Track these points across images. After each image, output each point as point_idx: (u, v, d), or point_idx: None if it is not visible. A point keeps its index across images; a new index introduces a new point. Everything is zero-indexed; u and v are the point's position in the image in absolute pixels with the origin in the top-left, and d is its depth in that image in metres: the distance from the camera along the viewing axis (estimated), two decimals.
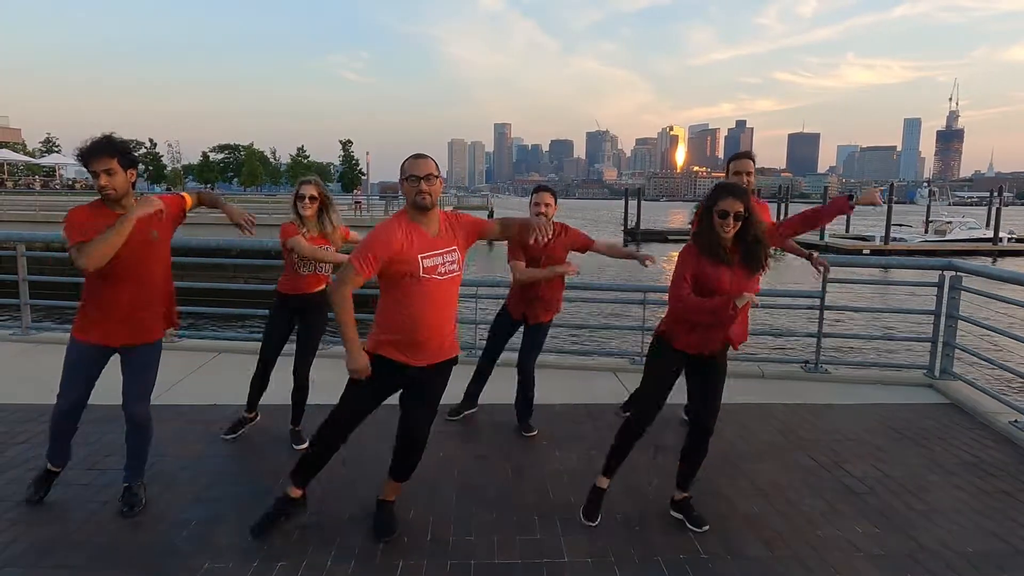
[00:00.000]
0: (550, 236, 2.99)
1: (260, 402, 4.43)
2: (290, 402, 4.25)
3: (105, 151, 2.91)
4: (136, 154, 3.16)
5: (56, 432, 3.33)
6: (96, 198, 3.08)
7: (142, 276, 3.12)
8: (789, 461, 4.17)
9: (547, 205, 4.23)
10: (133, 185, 3.05)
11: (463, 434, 4.48)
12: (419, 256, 2.88)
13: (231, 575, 2.85)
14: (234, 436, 4.27)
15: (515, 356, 4.59)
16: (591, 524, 3.32)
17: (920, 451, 4.36)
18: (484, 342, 4.83)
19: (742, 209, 2.98)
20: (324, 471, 3.82)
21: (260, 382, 4.29)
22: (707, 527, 3.30)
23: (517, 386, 4.58)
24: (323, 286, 4.15)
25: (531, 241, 3.04)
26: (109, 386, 3.34)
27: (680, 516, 3.39)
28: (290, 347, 4.30)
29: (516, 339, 4.64)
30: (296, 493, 3.22)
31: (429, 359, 3.02)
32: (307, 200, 3.99)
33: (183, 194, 3.36)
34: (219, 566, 2.89)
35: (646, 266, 4.37)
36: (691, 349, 3.24)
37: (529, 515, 3.42)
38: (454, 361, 3.15)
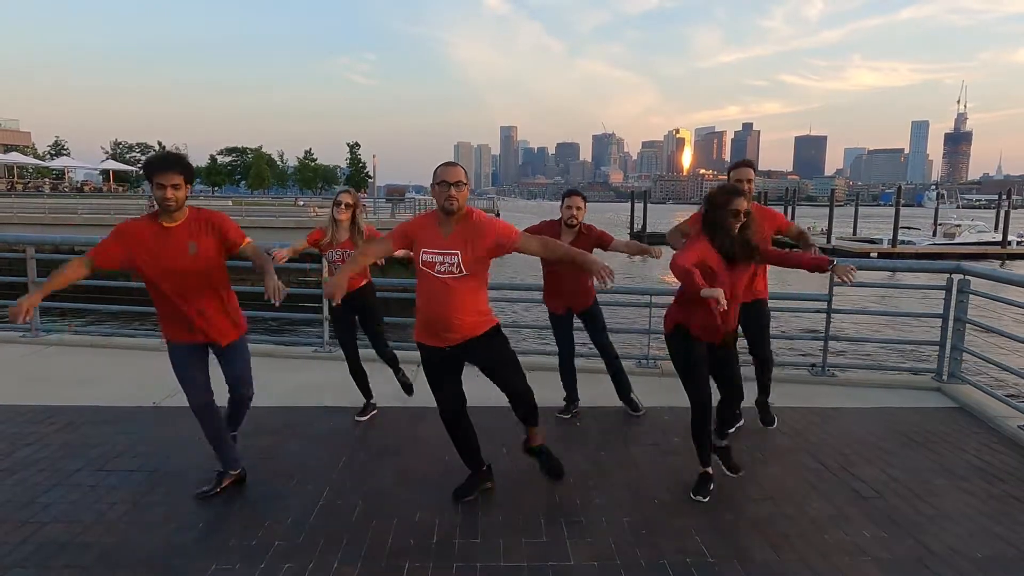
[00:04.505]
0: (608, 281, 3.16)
1: (268, 404, 4.51)
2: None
3: (175, 167, 3.16)
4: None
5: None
6: (146, 213, 3.34)
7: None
8: (796, 465, 4.15)
9: (578, 208, 4.60)
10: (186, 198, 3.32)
11: None
12: (422, 250, 3.28)
13: None
14: (366, 418, 4.76)
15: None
16: (703, 500, 3.59)
17: (928, 455, 4.34)
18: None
19: (747, 205, 3.48)
20: (326, 473, 3.85)
21: (358, 374, 4.82)
22: (742, 472, 3.80)
23: (612, 374, 4.94)
24: (364, 281, 4.67)
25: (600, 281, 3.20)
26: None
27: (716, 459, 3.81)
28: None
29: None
30: (483, 469, 3.68)
31: (452, 340, 3.36)
32: (343, 207, 4.51)
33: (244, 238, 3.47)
34: (226, 567, 2.91)
35: (656, 257, 4.59)
36: (709, 337, 3.58)
37: (535, 518, 3.41)
38: (495, 329, 3.48)
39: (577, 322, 4.90)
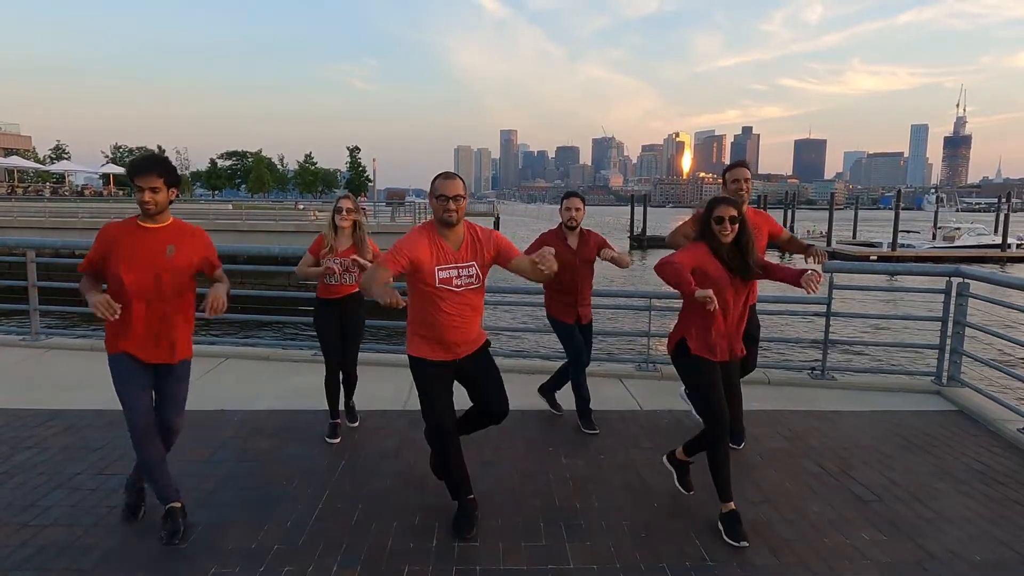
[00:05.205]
0: (555, 269, 3.10)
1: (268, 408, 4.51)
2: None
3: (154, 169, 3.05)
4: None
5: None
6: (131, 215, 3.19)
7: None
8: (796, 468, 4.15)
9: (577, 209, 4.64)
10: (170, 202, 3.19)
11: (469, 440, 4.46)
12: (435, 268, 3.16)
13: None
14: (338, 440, 4.42)
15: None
16: (744, 544, 3.20)
17: (928, 458, 4.34)
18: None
19: (736, 213, 3.30)
20: (326, 475, 3.85)
21: (334, 387, 4.53)
22: (692, 492, 3.65)
23: (565, 371, 4.96)
24: (356, 289, 4.50)
25: (543, 273, 3.12)
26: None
27: (671, 469, 3.74)
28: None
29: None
30: (470, 498, 3.38)
31: (462, 352, 3.32)
32: (344, 212, 4.37)
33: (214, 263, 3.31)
34: (226, 571, 2.91)
35: (623, 266, 4.67)
36: (723, 355, 3.43)
37: (534, 521, 3.42)
38: (487, 344, 3.47)
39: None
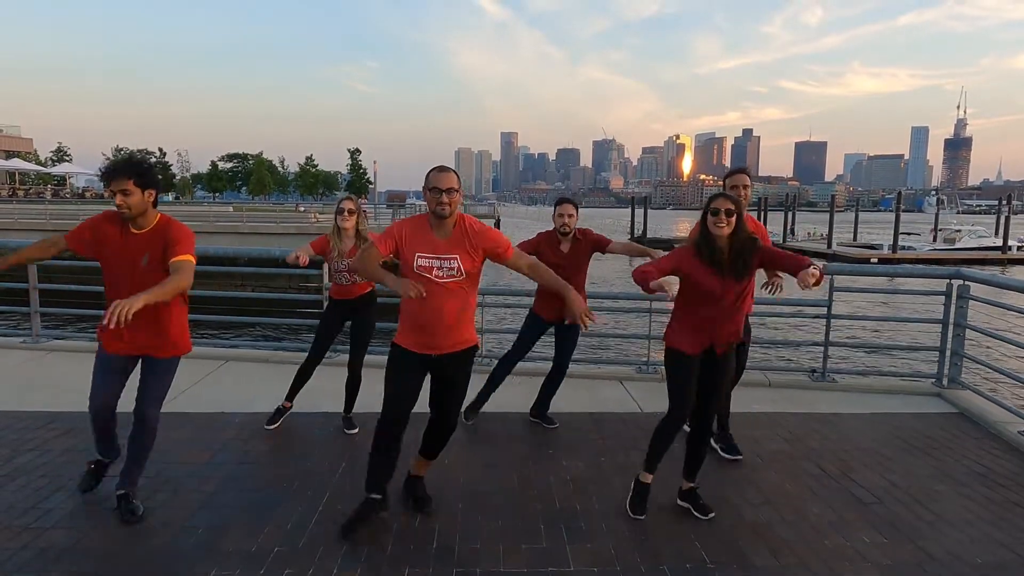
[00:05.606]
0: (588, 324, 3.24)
1: (268, 409, 4.57)
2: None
3: (122, 173, 3.06)
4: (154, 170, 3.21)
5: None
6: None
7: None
8: (796, 470, 4.15)
9: (570, 216, 4.61)
10: (154, 204, 3.19)
11: (469, 442, 4.49)
12: (415, 254, 3.18)
13: None
14: (276, 426, 4.58)
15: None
16: (640, 517, 3.46)
17: (928, 461, 4.34)
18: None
19: (732, 206, 3.24)
20: (326, 478, 3.85)
21: (304, 376, 4.62)
22: (712, 515, 3.49)
23: (548, 382, 4.87)
24: (369, 289, 4.54)
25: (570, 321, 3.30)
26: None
27: (687, 505, 3.58)
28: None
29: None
30: (376, 496, 3.34)
31: (442, 348, 3.26)
32: (346, 213, 4.41)
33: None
34: (226, 573, 2.91)
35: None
36: (697, 348, 3.41)
37: (535, 523, 3.42)
38: (473, 350, 3.38)
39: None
